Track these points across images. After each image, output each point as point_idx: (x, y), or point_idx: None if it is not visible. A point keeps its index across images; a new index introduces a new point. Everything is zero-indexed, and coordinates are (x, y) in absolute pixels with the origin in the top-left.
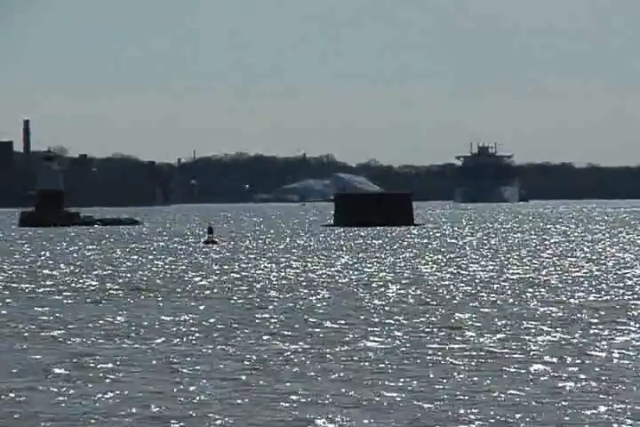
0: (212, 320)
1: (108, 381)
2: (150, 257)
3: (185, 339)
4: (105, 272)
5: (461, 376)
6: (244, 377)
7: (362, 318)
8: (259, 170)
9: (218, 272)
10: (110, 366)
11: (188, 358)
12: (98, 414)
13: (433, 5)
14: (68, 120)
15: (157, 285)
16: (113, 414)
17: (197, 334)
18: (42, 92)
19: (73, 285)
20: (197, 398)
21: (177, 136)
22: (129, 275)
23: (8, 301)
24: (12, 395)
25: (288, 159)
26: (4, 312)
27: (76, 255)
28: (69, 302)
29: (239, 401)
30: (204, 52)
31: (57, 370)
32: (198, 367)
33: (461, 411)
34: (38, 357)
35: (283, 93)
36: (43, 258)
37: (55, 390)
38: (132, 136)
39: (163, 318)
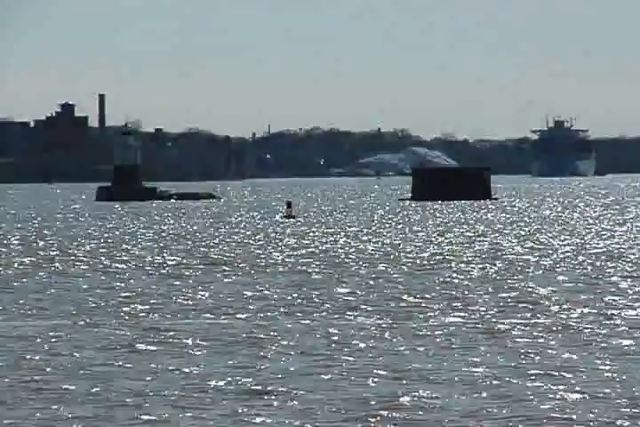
0: (293, 295)
1: (190, 356)
2: (229, 232)
3: (266, 314)
4: (183, 247)
5: (548, 352)
6: (327, 352)
7: (443, 292)
8: (333, 144)
9: (297, 247)
10: (192, 341)
11: (270, 333)
12: (180, 389)
13: None
14: (144, 95)
15: (237, 259)
16: (197, 390)
17: (279, 309)
18: (117, 66)
19: (152, 260)
20: (281, 373)
21: (252, 110)
22: (208, 250)
23: (88, 275)
24: (95, 370)
25: (363, 133)
26: (84, 286)
27: (153, 230)
28: (149, 277)
29: (323, 376)
30: (273, 27)
31: (139, 345)
32: (280, 342)
33: (551, 387)
34: (120, 332)
35: (357, 68)
36: (120, 233)
37: (138, 365)
38: (207, 111)
39: (243, 292)
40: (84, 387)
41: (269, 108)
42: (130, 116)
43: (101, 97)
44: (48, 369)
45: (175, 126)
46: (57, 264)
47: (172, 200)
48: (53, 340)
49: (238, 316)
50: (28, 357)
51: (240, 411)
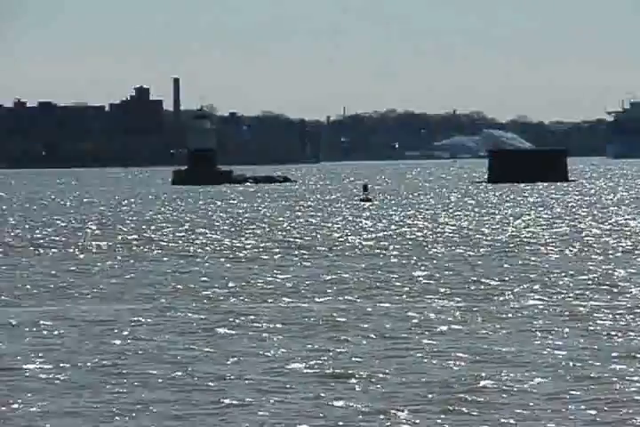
0: (370, 277)
1: (270, 340)
2: (306, 215)
3: (345, 297)
4: (260, 231)
5: (630, 333)
6: (407, 335)
7: (522, 275)
8: (408, 127)
9: (374, 230)
10: (271, 324)
11: (350, 317)
12: (261, 372)
13: None
14: (218, 78)
15: (315, 243)
16: (277, 373)
17: (358, 293)
18: (192, 49)
19: (229, 243)
20: (361, 356)
21: (327, 94)
22: (285, 233)
23: (165, 259)
24: (176, 354)
25: (438, 116)
26: (162, 270)
27: (230, 214)
28: (227, 260)
29: (404, 359)
30: (347, 9)
31: (218, 329)
32: (360, 326)
33: (635, 369)
34: (199, 316)
35: (432, 51)
36: (197, 217)
37: (218, 349)
38: (282, 94)
39: (321, 275)
40: (164, 371)
41: (345, 91)
42: (204, 99)
43: (176, 81)
44: (129, 353)
45: (250, 110)
46: (135, 248)
47: (247, 183)
48: (133, 324)
49: (317, 299)
50: (108, 341)
51: (321, 395)
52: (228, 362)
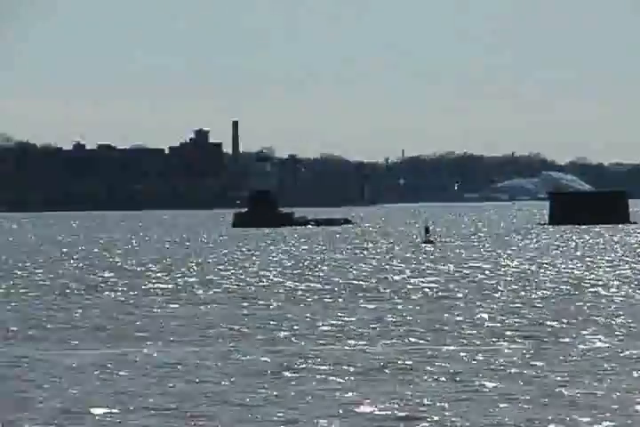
0: (434, 320)
1: (337, 382)
2: (368, 257)
3: (410, 339)
4: (324, 273)
5: None
6: (474, 378)
7: (587, 317)
8: (467, 169)
9: (437, 272)
10: (337, 367)
11: (416, 359)
12: (329, 415)
13: None
14: (277, 121)
15: (378, 285)
16: (346, 416)
17: (423, 335)
18: (251, 92)
19: (292, 285)
20: (430, 398)
21: (385, 136)
22: (349, 276)
23: (228, 302)
24: (242, 397)
25: (496, 158)
26: (230, 313)
27: (291, 256)
28: (290, 303)
29: (473, 402)
30: (404, 51)
31: (285, 372)
32: (426, 368)
33: None
34: (264, 358)
35: (490, 93)
36: (260, 259)
37: (284, 392)
38: (340, 136)
39: (385, 318)
40: (231, 414)
41: (403, 134)
42: (264, 142)
43: (235, 123)
44: (195, 396)
45: (309, 152)
46: (197, 291)
47: (308, 226)
48: (198, 366)
49: (382, 342)
50: (174, 384)
51: None
52: (296, 405)
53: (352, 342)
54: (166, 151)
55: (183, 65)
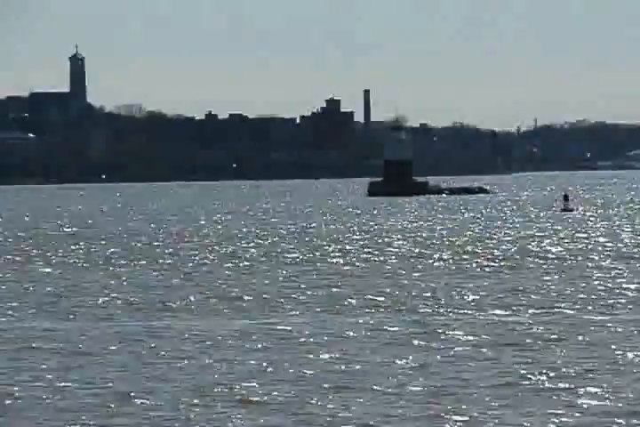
0: (576, 288)
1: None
2: (508, 226)
3: (554, 309)
4: (461, 242)
5: None
6: (615, 347)
7: None
8: (600, 137)
9: (577, 240)
10: (482, 337)
11: (561, 328)
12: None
13: None
14: (408, 89)
15: (518, 254)
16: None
17: (564, 304)
18: (382, 60)
19: (429, 254)
20: (572, 368)
21: (517, 104)
22: (485, 245)
23: (346, 268)
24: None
25: (630, 126)
26: (361, 281)
27: (429, 225)
28: (417, 271)
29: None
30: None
31: (418, 342)
32: (575, 337)
33: None
34: (409, 329)
35: (624, 62)
36: (388, 227)
37: (421, 361)
38: (473, 105)
39: (526, 287)
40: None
41: (535, 102)
42: (395, 110)
43: (366, 92)
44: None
45: (440, 121)
46: (334, 260)
47: (443, 195)
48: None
49: (529, 311)
50: (321, 355)
51: None
52: (446, 374)
53: (498, 311)
54: (297, 121)
55: (317, 36)
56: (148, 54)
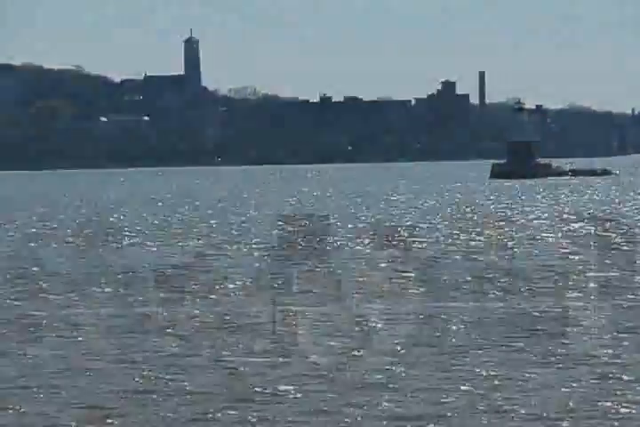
0: None
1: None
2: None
3: None
4: (591, 226)
5: None
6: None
7: None
8: None
9: None
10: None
11: None
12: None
13: None
14: (523, 71)
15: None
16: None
17: None
18: (498, 43)
19: (550, 236)
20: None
21: (633, 85)
22: (618, 229)
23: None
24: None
25: None
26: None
27: (559, 206)
28: (537, 250)
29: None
30: None
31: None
32: None
33: None
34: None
35: None
36: (516, 210)
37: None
38: (588, 86)
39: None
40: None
41: None
42: (510, 93)
43: (481, 74)
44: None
45: (556, 102)
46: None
47: (567, 177)
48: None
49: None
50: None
51: None
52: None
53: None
54: (413, 103)
55: (432, 20)
56: (255, 36)
